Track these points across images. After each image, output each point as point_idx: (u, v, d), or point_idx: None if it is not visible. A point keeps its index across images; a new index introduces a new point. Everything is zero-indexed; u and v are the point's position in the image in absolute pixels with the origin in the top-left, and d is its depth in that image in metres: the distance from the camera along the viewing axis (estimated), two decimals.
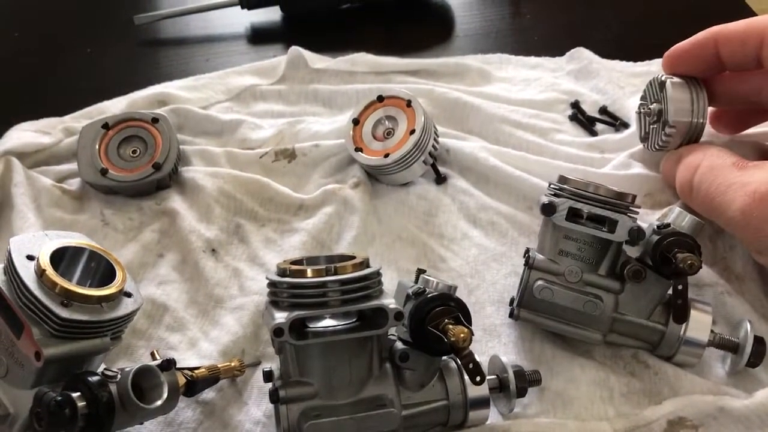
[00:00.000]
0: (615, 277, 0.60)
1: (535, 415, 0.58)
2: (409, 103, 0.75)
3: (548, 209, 0.58)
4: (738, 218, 0.57)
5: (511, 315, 0.63)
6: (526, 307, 0.61)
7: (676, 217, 0.60)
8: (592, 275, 0.59)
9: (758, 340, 0.59)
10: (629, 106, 0.83)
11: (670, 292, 0.60)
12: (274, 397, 0.51)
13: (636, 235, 0.57)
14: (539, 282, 0.59)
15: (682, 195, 0.66)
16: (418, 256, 0.71)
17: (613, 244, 0.59)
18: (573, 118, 0.84)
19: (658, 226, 0.59)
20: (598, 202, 0.58)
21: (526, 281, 0.60)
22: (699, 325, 0.59)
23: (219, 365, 0.59)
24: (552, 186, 0.61)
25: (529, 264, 0.60)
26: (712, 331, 0.59)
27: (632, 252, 0.61)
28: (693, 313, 0.59)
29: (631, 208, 0.59)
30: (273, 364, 0.55)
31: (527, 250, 0.62)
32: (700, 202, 0.62)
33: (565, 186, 0.60)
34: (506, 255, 0.70)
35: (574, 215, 0.59)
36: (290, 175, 0.79)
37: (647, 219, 0.68)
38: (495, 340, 0.64)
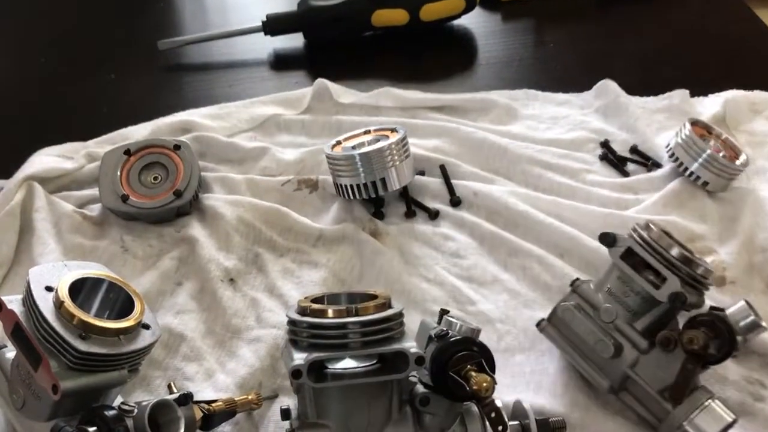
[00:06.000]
0: (649, 337, 0.57)
1: None
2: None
3: (607, 239, 0.57)
4: None
5: (537, 325, 0.62)
6: (553, 325, 0.60)
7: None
8: (625, 324, 0.57)
9: None
10: (659, 145, 0.81)
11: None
12: None
13: (675, 299, 0.54)
14: (568, 304, 0.59)
15: None
16: (445, 298, 0.69)
17: (661, 304, 0.56)
18: (603, 157, 0.82)
19: None
20: (658, 254, 0.55)
21: (561, 299, 0.60)
22: (710, 421, 0.54)
23: (236, 398, 0.58)
24: (635, 226, 0.59)
25: (573, 286, 0.60)
26: None
27: None
28: (713, 407, 0.54)
29: (695, 277, 0.55)
30: (291, 401, 0.54)
31: (576, 279, 0.61)
32: None
33: (641, 230, 0.57)
34: (537, 302, 0.68)
35: (632, 258, 0.56)
36: (309, 204, 0.78)
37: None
38: (522, 386, 0.62)
